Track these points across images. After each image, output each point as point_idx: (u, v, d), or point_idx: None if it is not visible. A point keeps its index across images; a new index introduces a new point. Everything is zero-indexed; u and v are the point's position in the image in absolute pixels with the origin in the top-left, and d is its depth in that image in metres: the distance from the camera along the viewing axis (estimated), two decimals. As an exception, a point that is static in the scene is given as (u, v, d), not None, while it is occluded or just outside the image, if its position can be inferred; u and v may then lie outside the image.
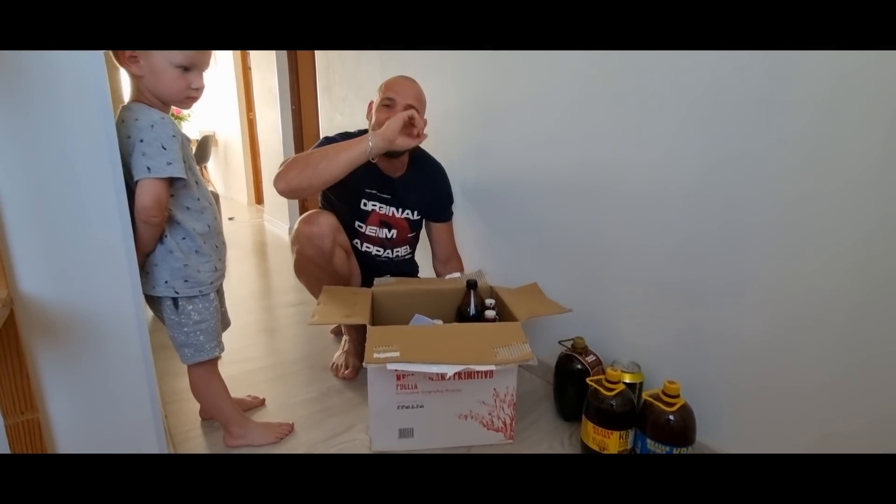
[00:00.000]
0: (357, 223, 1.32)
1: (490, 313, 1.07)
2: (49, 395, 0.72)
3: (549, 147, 1.23)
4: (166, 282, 0.84)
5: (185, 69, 0.79)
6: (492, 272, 1.46)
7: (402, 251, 1.39)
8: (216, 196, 0.91)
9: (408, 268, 1.44)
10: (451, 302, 1.23)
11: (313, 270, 1.24)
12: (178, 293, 0.85)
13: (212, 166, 5.40)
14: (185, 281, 0.85)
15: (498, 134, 1.39)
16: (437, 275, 1.45)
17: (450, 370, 0.85)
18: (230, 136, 4.73)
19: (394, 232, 1.34)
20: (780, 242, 0.82)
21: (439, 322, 1.09)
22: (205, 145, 4.08)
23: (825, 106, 0.74)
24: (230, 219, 3.80)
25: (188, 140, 0.86)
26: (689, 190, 0.94)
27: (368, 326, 0.95)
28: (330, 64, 2.31)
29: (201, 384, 0.95)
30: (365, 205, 1.30)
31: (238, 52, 4.23)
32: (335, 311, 1.03)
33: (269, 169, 3.58)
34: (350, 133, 1.29)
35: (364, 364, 0.85)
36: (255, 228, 3.57)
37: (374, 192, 1.30)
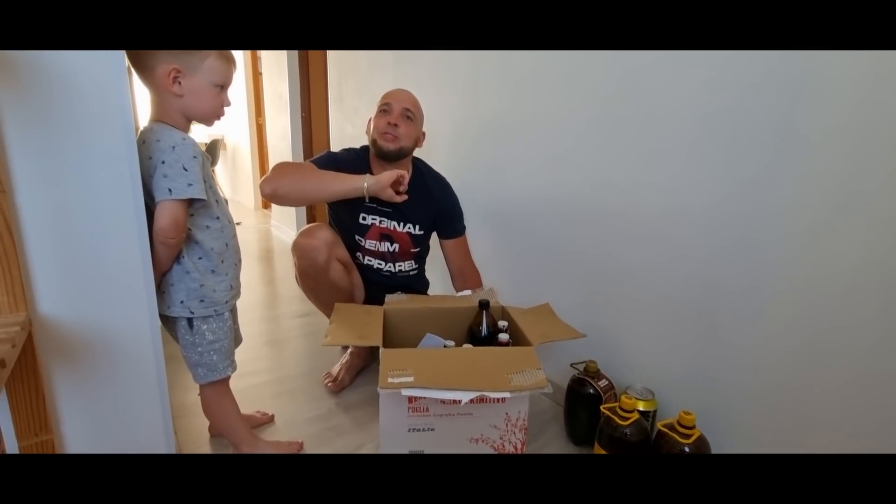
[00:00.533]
0: (356, 237, 1.32)
1: (503, 336, 1.06)
2: (63, 416, 0.71)
3: (564, 167, 1.23)
4: (182, 302, 0.84)
5: (221, 88, 0.81)
6: (503, 290, 1.45)
7: (405, 265, 1.38)
8: (225, 201, 0.91)
9: (417, 284, 1.44)
10: (463, 321, 1.23)
11: (309, 282, 1.27)
12: (193, 313, 0.85)
13: (220, 170, 5.42)
14: (201, 301, 0.85)
15: (512, 152, 1.38)
16: (455, 290, 1.45)
17: (465, 397, 0.84)
18: (239, 140, 4.75)
19: (396, 246, 1.34)
20: (798, 271, 0.81)
21: (451, 343, 1.08)
22: (213, 149, 4.10)
23: (846, 136, 0.73)
24: (238, 223, 3.81)
25: (208, 159, 0.86)
26: (706, 215, 0.93)
27: (382, 349, 0.94)
28: (342, 75, 2.32)
29: (213, 403, 0.95)
30: (364, 218, 1.30)
31: (249, 58, 4.26)
32: (348, 332, 1.02)
33: (277, 175, 3.58)
34: (354, 150, 1.34)
35: (378, 389, 0.84)
36: (262, 234, 3.58)
37: (374, 205, 1.28)
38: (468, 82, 1.51)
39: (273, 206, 3.88)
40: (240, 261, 0.94)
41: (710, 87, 0.90)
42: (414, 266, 1.41)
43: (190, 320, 0.86)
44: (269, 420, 1.16)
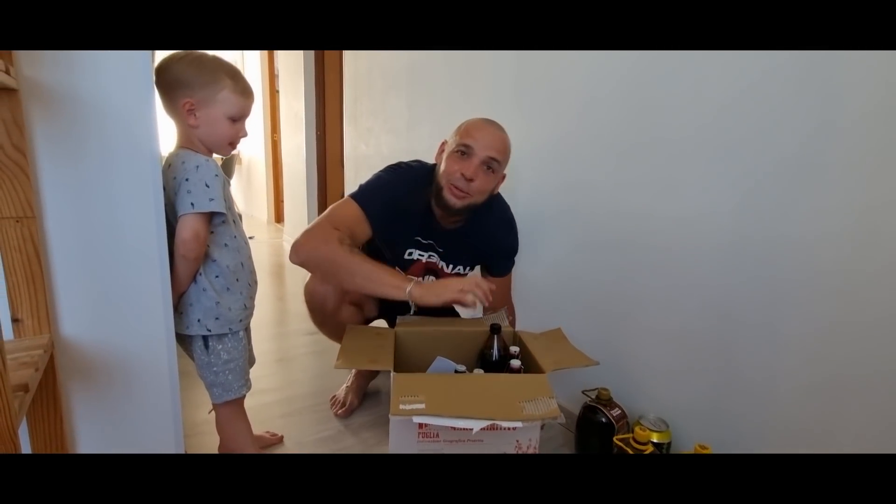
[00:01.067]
0: (397, 269, 1.18)
1: (515, 362, 1.05)
2: (79, 435, 0.72)
3: (577, 193, 1.23)
4: (199, 320, 0.85)
5: (235, 120, 0.84)
6: (515, 313, 1.45)
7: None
8: (239, 216, 0.94)
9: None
10: (474, 344, 1.22)
11: (317, 320, 1.24)
12: (209, 331, 0.86)
13: (234, 184, 5.51)
14: (217, 319, 0.86)
15: (525, 175, 1.39)
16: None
17: (476, 425, 0.83)
18: (254, 155, 4.85)
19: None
20: (817, 306, 0.80)
21: (462, 368, 1.08)
22: (229, 164, 4.18)
23: (866, 170, 0.73)
24: (250, 237, 3.86)
25: (228, 181, 0.89)
26: (722, 245, 0.93)
27: (393, 374, 0.94)
28: (357, 96, 2.37)
29: (227, 423, 0.95)
30: (410, 254, 1.16)
31: (266, 76, 4.37)
32: (360, 356, 1.03)
33: (291, 189, 3.64)
34: (421, 177, 1.12)
35: (390, 415, 0.84)
36: (274, 248, 3.62)
37: (421, 240, 1.15)
38: (483, 109, 1.53)
39: (285, 220, 3.93)
40: (255, 282, 0.95)
41: (728, 117, 0.90)
42: None
43: (206, 339, 0.87)
44: (279, 441, 1.16)
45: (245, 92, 0.85)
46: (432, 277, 1.19)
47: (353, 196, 1.09)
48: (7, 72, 0.54)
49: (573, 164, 1.24)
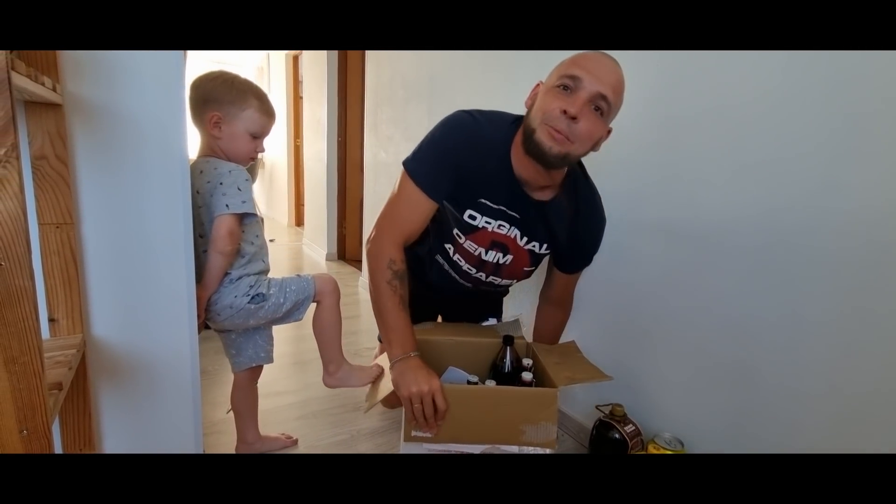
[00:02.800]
0: (455, 231, 0.99)
1: (527, 375, 1.05)
2: (105, 432, 0.75)
3: (594, 206, 1.23)
4: (235, 297, 0.92)
5: (255, 137, 0.91)
6: (530, 325, 1.45)
7: (504, 282, 1.09)
8: (261, 219, 1.02)
9: (492, 307, 1.27)
10: (488, 354, 1.22)
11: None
12: (249, 290, 0.93)
13: (257, 187, 5.64)
14: (251, 286, 0.94)
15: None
16: (539, 307, 1.22)
17: (476, 450, 0.87)
18: (277, 159, 4.96)
19: (509, 258, 1.02)
20: (840, 329, 0.78)
21: (475, 378, 1.09)
22: (252, 168, 4.27)
23: (891, 191, 0.71)
24: (271, 240, 3.95)
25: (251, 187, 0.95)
26: (743, 265, 0.91)
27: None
28: (379, 104, 2.41)
29: (239, 389, 1.07)
30: (473, 218, 0.95)
31: (291, 82, 4.47)
32: (379, 385, 1.06)
33: (312, 193, 3.71)
34: (502, 125, 0.93)
35: (402, 441, 0.87)
36: (293, 252, 3.69)
37: (498, 206, 0.94)
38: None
39: (306, 223, 4.01)
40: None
41: (749, 133, 0.89)
42: (511, 285, 1.15)
43: (253, 298, 0.94)
44: (293, 443, 1.19)
45: (268, 112, 0.93)
46: (500, 254, 1.00)
47: (411, 172, 0.93)
48: (53, 89, 0.58)
49: (591, 173, 1.23)
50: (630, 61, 0.90)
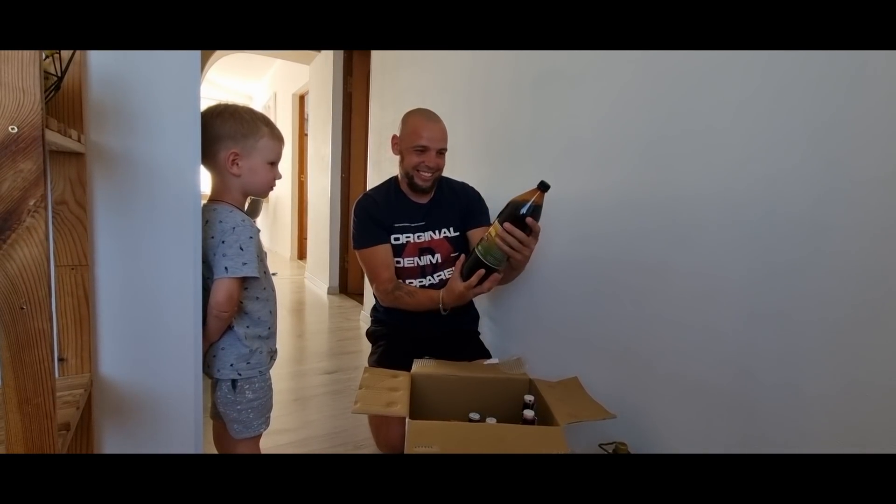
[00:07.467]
0: (397, 259, 1.35)
1: (529, 413, 1.05)
2: (106, 473, 0.75)
3: (594, 244, 1.26)
4: (231, 364, 0.89)
5: (273, 164, 0.90)
6: (530, 360, 1.44)
7: (447, 273, 1.38)
8: (265, 253, 0.98)
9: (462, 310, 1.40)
10: (488, 390, 1.22)
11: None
12: (240, 375, 0.90)
13: (261, 221, 5.72)
14: (248, 363, 0.91)
15: (545, 225, 1.43)
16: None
17: None
18: (281, 194, 5.05)
19: (437, 256, 1.37)
20: (841, 371, 0.78)
21: (476, 416, 1.08)
22: (255, 204, 4.36)
23: (880, 231, 0.74)
24: (273, 273, 3.97)
25: (258, 230, 0.94)
26: (737, 301, 0.93)
27: (408, 421, 0.95)
28: (382, 143, 2.49)
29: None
30: (398, 239, 1.35)
31: (297, 119, 4.62)
32: (376, 399, 1.04)
33: (315, 228, 3.76)
34: (382, 189, 1.42)
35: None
36: (296, 285, 3.70)
37: (405, 224, 1.35)
38: (499, 165, 1.60)
39: (308, 257, 4.04)
40: (276, 323, 1.00)
41: (742, 175, 0.93)
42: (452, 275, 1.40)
43: (234, 381, 0.90)
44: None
45: (279, 137, 0.92)
46: (428, 256, 1.38)
47: (358, 247, 1.36)
48: (78, 139, 0.62)
49: (588, 217, 1.27)
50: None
